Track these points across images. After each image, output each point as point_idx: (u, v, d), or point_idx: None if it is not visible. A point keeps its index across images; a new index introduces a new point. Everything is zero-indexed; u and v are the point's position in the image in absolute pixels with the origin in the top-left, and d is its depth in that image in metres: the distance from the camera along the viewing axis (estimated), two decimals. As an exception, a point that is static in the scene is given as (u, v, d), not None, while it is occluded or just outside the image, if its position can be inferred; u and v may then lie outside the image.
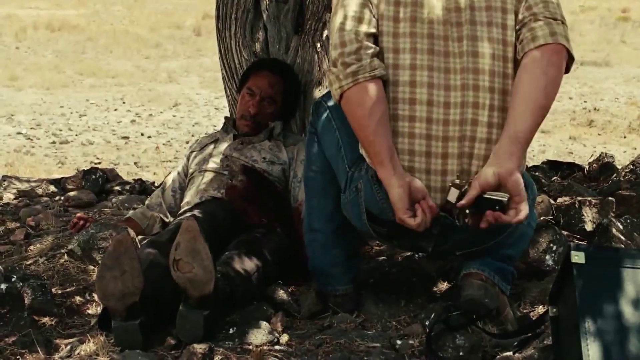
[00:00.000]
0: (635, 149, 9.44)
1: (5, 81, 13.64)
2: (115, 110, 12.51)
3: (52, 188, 4.89)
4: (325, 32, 3.67)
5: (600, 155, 4.87)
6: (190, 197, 3.35)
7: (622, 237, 2.99)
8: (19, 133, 11.15)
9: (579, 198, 3.38)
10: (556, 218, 3.37)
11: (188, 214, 3.10)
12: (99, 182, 4.79)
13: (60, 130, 11.42)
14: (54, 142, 10.77)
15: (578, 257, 2.03)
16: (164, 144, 9.85)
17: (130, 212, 3.62)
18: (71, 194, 4.54)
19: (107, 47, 16.57)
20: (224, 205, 3.19)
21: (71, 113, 12.39)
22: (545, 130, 10.60)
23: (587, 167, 4.73)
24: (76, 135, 11.21)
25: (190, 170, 3.50)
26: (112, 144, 10.20)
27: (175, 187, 3.56)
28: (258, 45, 3.74)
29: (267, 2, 3.72)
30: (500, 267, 2.59)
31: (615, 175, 4.63)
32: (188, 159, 3.58)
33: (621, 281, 2.00)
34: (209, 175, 3.36)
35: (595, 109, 11.74)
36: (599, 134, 10.60)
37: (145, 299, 2.44)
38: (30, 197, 4.70)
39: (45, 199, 4.66)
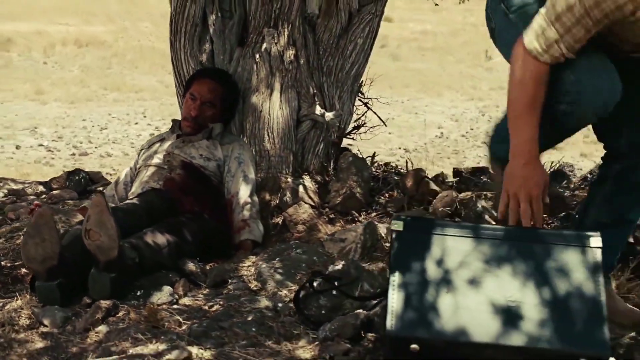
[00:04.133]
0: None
1: (31, 95, 14.17)
2: (136, 124, 12.97)
3: (41, 188, 5.36)
4: (265, 45, 4.12)
5: (560, 164, 5.28)
6: (135, 188, 3.82)
7: (493, 222, 3.40)
8: (40, 145, 11.60)
9: (477, 192, 3.78)
10: (458, 210, 3.78)
11: (127, 201, 3.58)
12: (81, 183, 5.24)
13: (81, 143, 11.88)
14: (73, 154, 11.22)
15: (397, 225, 2.45)
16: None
17: (86, 202, 4.09)
18: (54, 192, 5.02)
19: (132, 63, 17.11)
20: (161, 195, 3.65)
21: (93, 126, 12.83)
22: (556, 147, 10.87)
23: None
24: (96, 147, 11.68)
25: (138, 165, 3.97)
26: (130, 156, 10.57)
27: (127, 181, 4.04)
28: (204, 56, 4.21)
29: (214, 17, 4.18)
30: None
31: (565, 182, 5.05)
32: (138, 156, 4.06)
33: (430, 245, 2.40)
34: (151, 170, 3.83)
35: (610, 127, 11.96)
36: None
37: (65, 264, 2.90)
38: (19, 195, 5.17)
39: (32, 197, 5.13)
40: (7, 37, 17.86)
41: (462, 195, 3.84)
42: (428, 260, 2.39)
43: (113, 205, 3.90)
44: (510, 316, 2.27)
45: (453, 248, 2.41)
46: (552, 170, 5.16)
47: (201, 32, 4.23)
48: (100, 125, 12.90)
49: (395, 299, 2.32)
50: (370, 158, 4.46)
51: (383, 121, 4.59)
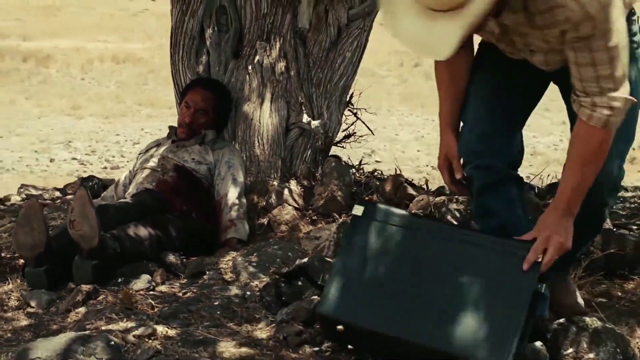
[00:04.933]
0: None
1: (67, 110, 14.59)
2: (168, 139, 13.27)
3: (57, 194, 5.69)
4: (257, 57, 4.41)
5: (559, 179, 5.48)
6: (131, 188, 4.12)
7: (455, 222, 3.63)
8: (74, 158, 11.96)
9: (449, 197, 4.01)
10: (432, 213, 4.01)
11: (121, 200, 3.88)
12: (94, 188, 5.53)
13: (113, 157, 12.22)
14: (105, 168, 11.56)
15: (357, 210, 2.59)
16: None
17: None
18: (68, 197, 5.32)
19: (167, 79, 17.41)
20: (153, 195, 3.94)
21: (125, 141, 13.16)
22: None
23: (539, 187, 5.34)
24: (127, 161, 11.99)
25: (135, 168, 4.27)
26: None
27: (126, 183, 4.33)
28: (201, 67, 4.51)
29: (211, 31, 4.48)
30: None
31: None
32: (137, 159, 4.35)
33: (380, 234, 2.54)
34: (146, 172, 4.12)
35: (640, 147, 11.99)
36: (638, 171, 10.90)
37: (52, 252, 3.19)
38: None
39: (48, 202, 5.45)
40: (46, 54, 18.42)
41: (437, 199, 4.06)
42: (373, 249, 2.55)
43: (110, 203, 4.21)
44: (429, 315, 2.41)
45: (400, 241, 2.54)
46: (550, 183, 5.36)
47: (198, 45, 4.53)
48: (133, 140, 13.21)
49: (331, 282, 2.55)
50: (357, 164, 4.70)
51: (371, 130, 4.84)
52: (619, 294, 3.29)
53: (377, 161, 11.91)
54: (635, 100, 2.44)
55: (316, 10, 4.46)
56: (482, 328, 2.34)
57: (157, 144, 4.36)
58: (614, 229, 3.82)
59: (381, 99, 16.81)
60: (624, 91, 2.39)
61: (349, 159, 4.81)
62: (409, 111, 16.96)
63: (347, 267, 2.56)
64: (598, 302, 3.18)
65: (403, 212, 2.70)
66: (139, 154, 4.39)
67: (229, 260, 3.62)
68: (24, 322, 2.96)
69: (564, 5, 2.26)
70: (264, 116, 4.37)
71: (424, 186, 4.55)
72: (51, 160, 11.71)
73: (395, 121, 15.91)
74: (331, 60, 4.54)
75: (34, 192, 5.89)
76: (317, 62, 4.52)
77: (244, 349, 2.68)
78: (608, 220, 3.93)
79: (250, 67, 4.41)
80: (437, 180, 5.30)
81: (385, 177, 4.67)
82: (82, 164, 11.82)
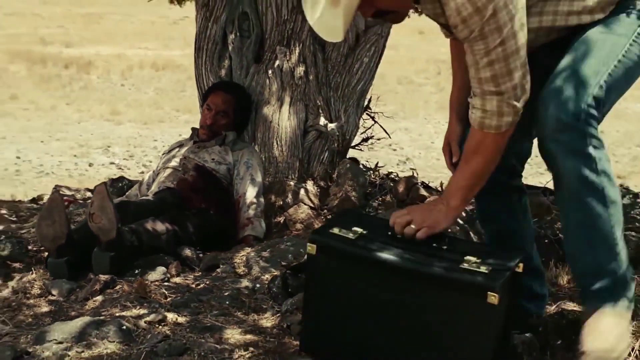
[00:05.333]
0: None
1: (106, 115, 14.85)
2: (204, 144, 13.45)
3: (89, 194, 5.88)
4: (277, 62, 4.57)
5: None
6: (153, 187, 4.31)
7: (457, 227, 3.74)
8: (112, 163, 12.18)
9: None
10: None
11: (142, 197, 4.06)
12: (123, 189, 5.74)
13: (150, 162, 12.41)
14: (142, 172, 11.73)
15: (311, 249, 2.50)
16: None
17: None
18: (98, 196, 5.51)
19: (206, 86, 17.73)
20: (173, 193, 4.11)
21: (163, 146, 13.30)
22: (621, 176, 11.02)
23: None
24: (164, 166, 12.17)
25: (159, 168, 4.45)
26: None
27: (150, 182, 4.52)
28: (224, 71, 4.69)
29: (233, 36, 4.65)
30: None
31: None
32: (160, 159, 4.54)
33: (339, 270, 2.50)
34: (168, 171, 4.30)
35: (680, 157, 11.99)
36: (660, 177, 10.90)
37: (73, 244, 3.37)
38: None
39: (79, 200, 5.65)
40: (88, 60, 18.76)
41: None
42: (334, 291, 2.53)
43: (131, 199, 4.40)
44: (403, 353, 2.41)
45: (357, 281, 2.47)
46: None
47: (221, 50, 4.70)
48: (170, 145, 13.36)
49: (306, 324, 2.64)
50: (373, 167, 4.84)
51: (388, 134, 4.97)
52: (618, 291, 3.36)
53: (411, 169, 12.00)
54: (518, 109, 2.36)
55: (335, 17, 4.59)
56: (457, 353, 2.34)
57: (180, 144, 4.54)
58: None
59: (418, 107, 16.88)
60: (505, 96, 2.33)
61: (367, 161, 4.94)
62: (445, 119, 16.97)
63: (315, 310, 2.61)
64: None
65: (357, 235, 2.53)
66: (162, 154, 4.58)
67: (243, 255, 3.78)
68: (45, 308, 3.14)
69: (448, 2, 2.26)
70: (283, 119, 4.53)
71: (439, 188, 4.65)
72: (90, 165, 11.93)
73: (432, 129, 15.95)
74: (349, 65, 4.68)
75: (67, 192, 6.10)
76: (336, 67, 4.67)
77: (248, 336, 2.83)
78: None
79: (270, 72, 4.57)
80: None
81: (399, 178, 4.80)
82: (120, 168, 12.02)
